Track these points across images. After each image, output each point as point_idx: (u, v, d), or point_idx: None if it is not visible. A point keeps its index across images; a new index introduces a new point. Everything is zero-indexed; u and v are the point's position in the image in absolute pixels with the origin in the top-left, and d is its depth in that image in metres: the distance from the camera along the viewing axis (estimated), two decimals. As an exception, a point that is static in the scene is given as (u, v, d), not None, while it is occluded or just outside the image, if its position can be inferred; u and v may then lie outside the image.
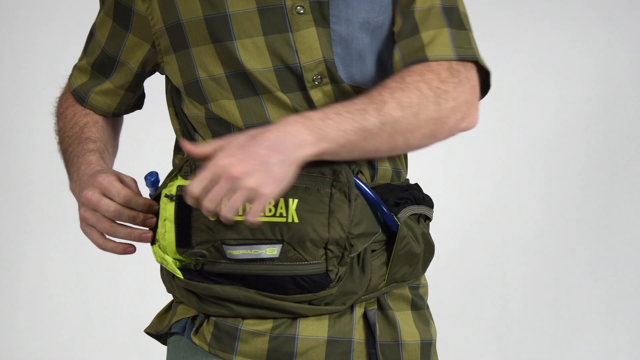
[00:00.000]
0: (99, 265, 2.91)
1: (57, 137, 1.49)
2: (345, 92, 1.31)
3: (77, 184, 1.35)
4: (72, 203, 2.88)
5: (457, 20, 1.31)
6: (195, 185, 1.15)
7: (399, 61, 1.29)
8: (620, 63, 3.17)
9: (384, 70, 1.36)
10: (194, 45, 1.30)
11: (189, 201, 1.18)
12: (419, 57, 1.27)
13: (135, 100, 1.49)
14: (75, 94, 1.48)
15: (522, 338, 3.15)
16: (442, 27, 1.29)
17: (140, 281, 2.74)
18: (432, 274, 2.68)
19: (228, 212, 1.15)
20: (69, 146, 1.43)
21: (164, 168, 1.48)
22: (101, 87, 1.45)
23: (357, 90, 1.31)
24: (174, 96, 1.40)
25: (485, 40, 3.08)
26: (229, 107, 1.30)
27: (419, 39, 1.28)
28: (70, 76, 1.50)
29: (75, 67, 1.49)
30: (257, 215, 1.16)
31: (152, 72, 1.45)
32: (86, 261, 2.90)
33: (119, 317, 2.85)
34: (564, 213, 3.17)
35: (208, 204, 1.16)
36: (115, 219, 1.29)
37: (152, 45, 1.37)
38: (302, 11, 1.29)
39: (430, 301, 3.19)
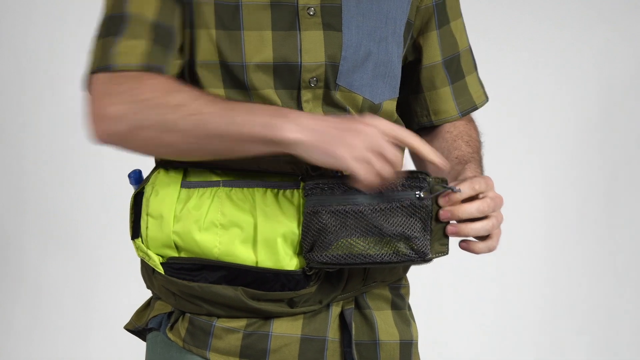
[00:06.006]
0: (100, 264, 2.92)
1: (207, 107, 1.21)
2: (333, 99, 1.33)
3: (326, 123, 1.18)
4: (71, 202, 2.92)
5: (474, 60, 1.53)
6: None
7: (455, 106, 1.48)
8: (620, 63, 3.16)
9: (380, 80, 1.38)
10: (197, 27, 1.29)
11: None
12: (472, 107, 1.50)
13: None
14: (150, 67, 1.26)
15: (522, 338, 3.15)
16: (473, 71, 1.51)
17: (141, 281, 2.74)
18: (431, 274, 2.68)
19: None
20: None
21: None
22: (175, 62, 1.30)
23: (343, 98, 1.34)
24: None
25: (484, 40, 3.08)
26: None
27: (466, 87, 1.50)
28: (112, 63, 1.24)
29: (118, 53, 1.25)
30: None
31: None
32: (87, 261, 2.91)
33: (119, 317, 2.86)
34: (564, 213, 3.16)
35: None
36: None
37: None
38: (312, 12, 1.30)
39: (429, 302, 3.19)
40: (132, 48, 1.24)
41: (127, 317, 1.72)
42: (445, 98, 1.49)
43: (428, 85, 1.48)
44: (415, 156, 1.52)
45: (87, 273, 2.92)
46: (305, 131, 1.16)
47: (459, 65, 1.49)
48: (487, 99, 1.53)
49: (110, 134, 1.23)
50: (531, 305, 3.15)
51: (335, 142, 1.16)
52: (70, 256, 2.91)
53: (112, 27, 1.26)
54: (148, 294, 1.41)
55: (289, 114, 1.19)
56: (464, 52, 1.50)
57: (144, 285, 1.37)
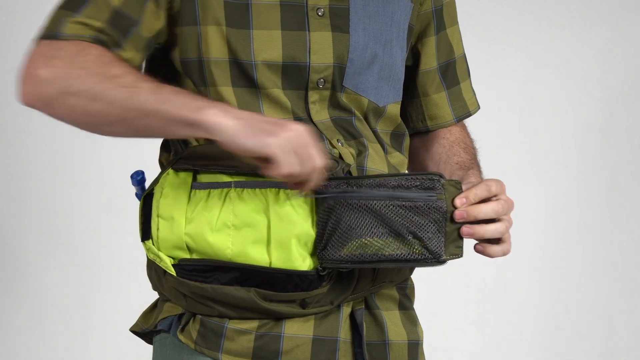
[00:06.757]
0: (100, 264, 2.91)
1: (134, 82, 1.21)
2: (339, 101, 1.34)
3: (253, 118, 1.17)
4: (71, 202, 2.91)
5: (468, 67, 1.54)
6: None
7: (450, 112, 1.50)
8: (620, 63, 3.16)
9: (385, 83, 1.38)
10: (204, 24, 1.28)
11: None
12: (466, 113, 1.52)
13: None
14: (99, 40, 1.25)
15: (523, 338, 3.15)
16: (467, 78, 1.53)
17: (141, 281, 2.74)
18: (432, 275, 2.68)
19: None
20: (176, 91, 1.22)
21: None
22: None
23: (348, 100, 1.34)
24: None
25: (484, 40, 3.09)
26: (226, 95, 1.29)
27: (461, 94, 1.51)
28: (61, 32, 1.23)
29: (70, 26, 1.24)
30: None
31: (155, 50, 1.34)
32: (87, 260, 2.91)
33: (119, 317, 2.86)
34: (565, 213, 3.16)
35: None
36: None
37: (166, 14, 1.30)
38: (321, 13, 1.31)
39: (430, 303, 3.18)
40: (85, 24, 1.23)
41: (127, 317, 1.72)
42: (441, 103, 1.50)
43: (424, 91, 1.49)
44: (413, 158, 1.53)
45: (87, 273, 2.91)
46: (232, 118, 1.15)
47: (455, 72, 1.51)
48: (479, 106, 1.55)
49: (36, 96, 1.22)
50: (532, 305, 3.15)
51: (262, 130, 1.14)
52: (70, 256, 2.90)
53: (73, 2, 1.25)
54: (148, 294, 1.40)
55: (216, 102, 1.19)
56: (460, 59, 1.52)
57: (144, 285, 1.37)
